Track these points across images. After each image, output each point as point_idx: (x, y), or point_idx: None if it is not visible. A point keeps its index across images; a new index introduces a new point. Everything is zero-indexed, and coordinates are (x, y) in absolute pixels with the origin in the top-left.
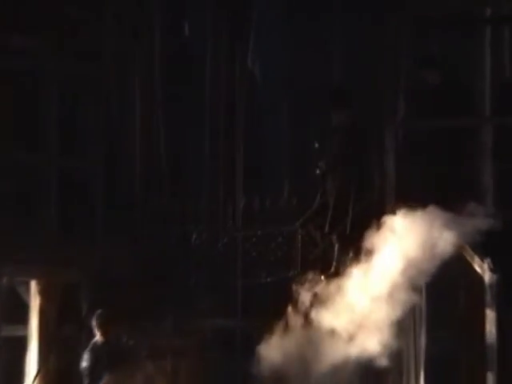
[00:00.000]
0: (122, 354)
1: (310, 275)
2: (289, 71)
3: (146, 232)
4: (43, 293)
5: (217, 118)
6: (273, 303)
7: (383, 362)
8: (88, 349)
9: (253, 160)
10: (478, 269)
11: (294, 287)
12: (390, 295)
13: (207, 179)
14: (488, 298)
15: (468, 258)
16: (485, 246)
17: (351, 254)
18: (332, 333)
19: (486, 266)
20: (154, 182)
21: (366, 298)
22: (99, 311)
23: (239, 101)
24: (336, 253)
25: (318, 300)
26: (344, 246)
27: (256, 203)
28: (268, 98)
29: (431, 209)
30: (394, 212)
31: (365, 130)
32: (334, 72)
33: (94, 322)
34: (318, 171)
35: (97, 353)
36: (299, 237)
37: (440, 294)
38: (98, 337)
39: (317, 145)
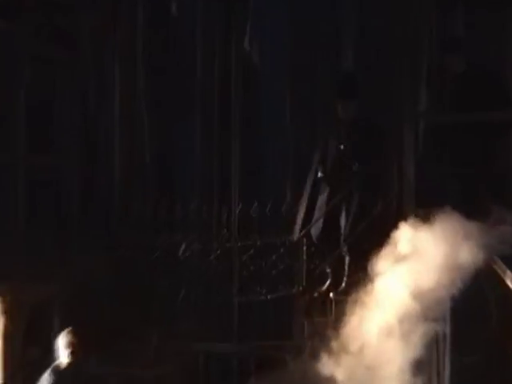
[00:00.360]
0: (87, 382)
1: (317, 293)
2: (293, 56)
3: (127, 242)
4: (8, 312)
5: (209, 111)
6: (274, 325)
7: None
8: (48, 371)
9: (251, 159)
10: (510, 284)
11: (298, 306)
12: (406, 326)
13: (198, 181)
14: None
15: (499, 273)
16: None
17: (364, 269)
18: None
19: None
20: (136, 184)
21: (376, 329)
22: (68, 329)
23: (235, 91)
24: (347, 267)
25: (321, 330)
26: (356, 259)
27: (255, 209)
28: (269, 88)
29: (456, 216)
30: (413, 220)
31: (379, 124)
32: (345, 57)
33: (60, 341)
34: (320, 174)
35: (58, 377)
36: (304, 248)
37: (467, 315)
38: (62, 358)
39: (342, 146)
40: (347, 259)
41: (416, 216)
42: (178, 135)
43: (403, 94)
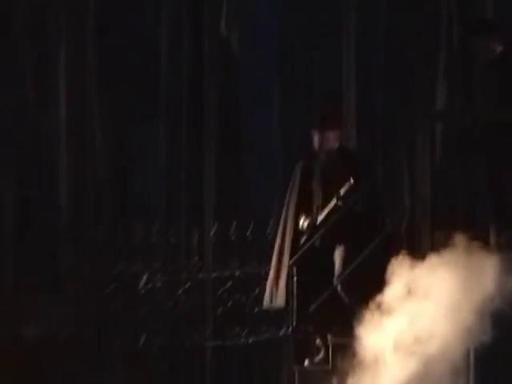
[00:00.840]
0: None
1: (310, 335)
2: (281, 43)
3: (75, 274)
4: None
5: (177, 111)
6: (258, 375)
7: None
8: None
9: (229, 170)
10: None
11: (287, 351)
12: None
13: (163, 198)
14: None
15: None
16: None
17: (368, 306)
18: None
19: None
20: (87, 203)
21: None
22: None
23: (209, 87)
24: (347, 303)
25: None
26: (359, 293)
27: (233, 231)
28: (251, 84)
29: (483, 239)
30: (429, 244)
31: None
32: (346, 43)
33: None
34: (316, 185)
35: None
36: (294, 280)
37: (493, 366)
38: None
39: (351, 180)
40: (344, 296)
41: (434, 239)
42: (138, 142)
43: (418, 88)
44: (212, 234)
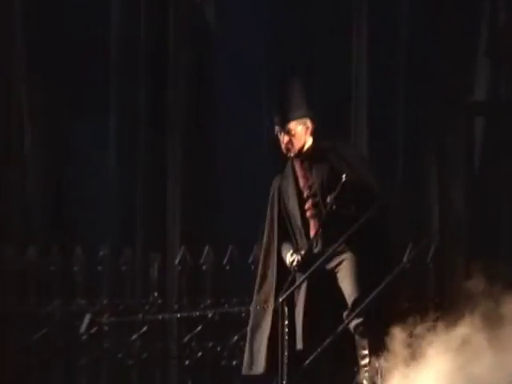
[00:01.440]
0: None
1: None
2: (269, 15)
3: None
4: None
5: (132, 102)
6: None
7: None
8: None
9: (199, 180)
10: None
11: None
12: None
13: (113, 215)
14: None
15: None
16: None
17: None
18: None
19: None
20: (11, 221)
21: None
22: None
23: (175, 70)
24: (361, 352)
25: None
26: (374, 338)
27: (204, 259)
28: (230, 68)
29: None
30: (464, 276)
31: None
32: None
33: None
34: (292, 203)
35: None
36: (285, 322)
37: None
38: None
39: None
40: (358, 339)
41: (469, 270)
42: (81, 143)
43: (450, 77)
44: (177, 261)
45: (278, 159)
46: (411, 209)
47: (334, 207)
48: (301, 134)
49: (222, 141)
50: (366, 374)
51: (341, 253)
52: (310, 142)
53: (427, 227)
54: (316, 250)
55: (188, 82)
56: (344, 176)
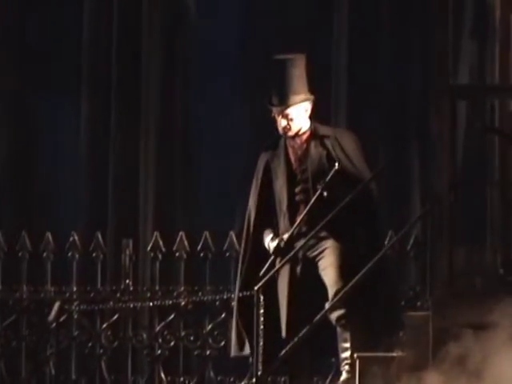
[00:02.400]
0: None
1: None
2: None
3: None
4: None
5: (104, 84)
6: None
7: None
8: None
9: (172, 164)
10: None
11: None
12: None
13: (83, 199)
14: None
15: None
16: None
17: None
18: None
19: None
20: None
21: None
22: None
23: (148, 54)
24: (342, 345)
25: None
26: (356, 331)
27: (177, 246)
28: (205, 52)
29: None
30: (447, 266)
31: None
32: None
33: None
34: (281, 183)
35: None
36: (260, 312)
37: None
38: None
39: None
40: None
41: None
42: (50, 126)
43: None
44: (149, 248)
45: (255, 145)
46: (392, 195)
47: (324, 194)
48: (299, 117)
49: (196, 126)
50: (347, 367)
51: (323, 240)
52: (308, 124)
53: (408, 214)
54: (299, 237)
55: (161, 67)
56: (337, 164)
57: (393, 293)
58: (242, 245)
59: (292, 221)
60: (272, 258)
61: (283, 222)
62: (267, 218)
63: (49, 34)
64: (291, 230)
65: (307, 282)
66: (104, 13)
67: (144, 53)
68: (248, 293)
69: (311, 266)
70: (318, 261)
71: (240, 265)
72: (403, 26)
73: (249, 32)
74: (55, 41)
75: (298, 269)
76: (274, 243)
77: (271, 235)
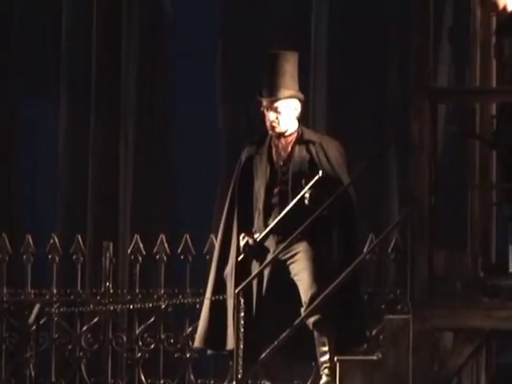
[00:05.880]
0: None
1: None
2: None
3: None
4: None
5: (83, 80)
6: None
7: None
8: None
9: (153, 163)
10: None
11: None
12: None
13: (62, 201)
14: None
15: None
16: None
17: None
18: None
19: None
20: None
21: None
22: None
23: (127, 46)
24: (320, 349)
25: None
26: (333, 334)
27: (158, 248)
28: (184, 40)
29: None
30: (426, 270)
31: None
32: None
33: None
34: (261, 181)
35: None
36: (240, 315)
37: None
38: None
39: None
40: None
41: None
42: (28, 125)
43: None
44: (129, 250)
45: (234, 145)
46: (372, 198)
47: (306, 201)
48: (288, 113)
49: (175, 127)
50: (326, 371)
51: (296, 243)
52: (295, 125)
53: (388, 217)
54: (272, 238)
55: (140, 60)
56: (321, 172)
57: (361, 303)
58: (219, 242)
59: (266, 220)
60: (241, 256)
61: (257, 219)
62: (242, 212)
63: (28, 35)
64: (263, 233)
65: (276, 285)
66: (83, 14)
67: (123, 54)
68: (221, 296)
69: (281, 268)
70: (290, 264)
71: (216, 261)
72: (383, 28)
73: (228, 22)
74: (34, 42)
75: (268, 271)
76: (244, 241)
77: (242, 234)
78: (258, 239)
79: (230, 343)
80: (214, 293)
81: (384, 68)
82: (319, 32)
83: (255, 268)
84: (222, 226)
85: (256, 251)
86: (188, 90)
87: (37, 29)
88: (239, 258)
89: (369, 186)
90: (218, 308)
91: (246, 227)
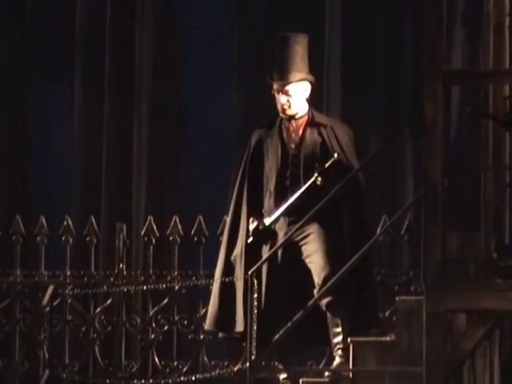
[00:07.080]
0: None
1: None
2: None
3: None
4: None
5: (97, 66)
6: None
7: None
8: None
9: (166, 147)
10: None
11: None
12: None
13: (76, 183)
14: None
15: None
16: None
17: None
18: None
19: None
20: None
21: None
22: None
23: (141, 32)
24: (333, 330)
25: None
26: (347, 315)
27: (171, 230)
28: (197, 28)
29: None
30: (439, 252)
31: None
32: None
33: None
34: (272, 163)
35: None
36: (253, 297)
37: None
38: None
39: (335, 155)
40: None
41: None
42: (43, 110)
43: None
44: (143, 232)
45: (247, 130)
46: (386, 180)
47: (318, 181)
48: (299, 96)
49: (189, 111)
50: (339, 352)
51: (307, 224)
52: (306, 108)
53: (402, 199)
54: (283, 220)
55: (154, 46)
56: (336, 154)
57: (373, 287)
58: (229, 224)
59: (277, 202)
60: (250, 239)
61: (268, 201)
62: (252, 195)
63: (42, 22)
64: (273, 217)
65: (288, 266)
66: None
67: (138, 40)
68: (232, 278)
69: (293, 249)
70: (302, 245)
71: (225, 243)
72: (396, 11)
73: (242, 6)
74: (48, 27)
75: (279, 253)
76: (254, 225)
77: (251, 218)
78: (267, 224)
79: (240, 325)
80: (223, 276)
81: (398, 51)
82: (333, 15)
83: (265, 250)
84: (231, 208)
85: (265, 235)
86: (203, 77)
87: (51, 13)
88: (248, 241)
89: (383, 167)
90: (228, 290)
91: (256, 210)
